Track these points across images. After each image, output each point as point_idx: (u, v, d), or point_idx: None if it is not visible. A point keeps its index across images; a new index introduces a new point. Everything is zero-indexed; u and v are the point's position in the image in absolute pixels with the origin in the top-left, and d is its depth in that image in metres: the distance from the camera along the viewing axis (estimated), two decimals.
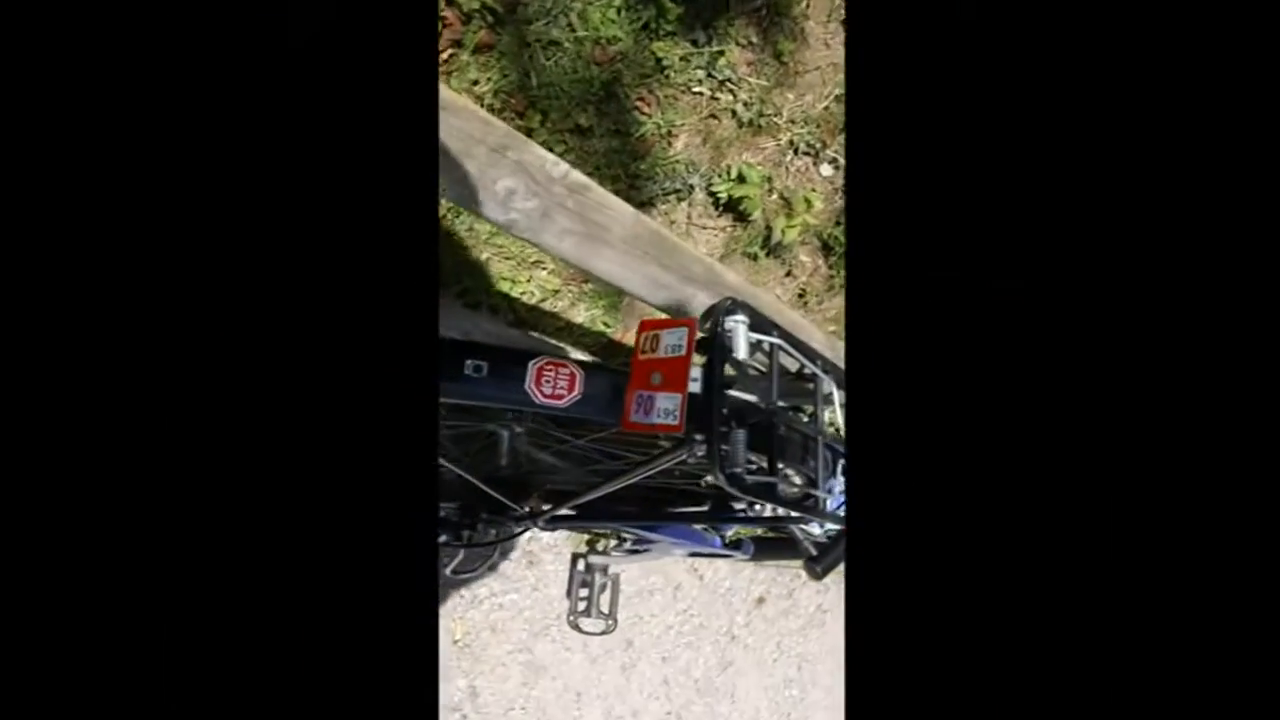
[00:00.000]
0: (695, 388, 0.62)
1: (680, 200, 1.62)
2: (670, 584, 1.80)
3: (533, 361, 0.66)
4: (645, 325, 0.65)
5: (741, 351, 0.64)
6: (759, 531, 1.25)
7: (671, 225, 1.66)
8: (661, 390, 0.60)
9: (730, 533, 1.19)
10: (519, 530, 1.01)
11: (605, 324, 1.58)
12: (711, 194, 1.62)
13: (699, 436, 0.60)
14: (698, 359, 0.63)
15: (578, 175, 0.57)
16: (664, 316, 0.65)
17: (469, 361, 0.62)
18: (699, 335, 0.63)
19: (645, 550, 1.26)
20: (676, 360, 0.61)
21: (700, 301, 0.70)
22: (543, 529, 1.00)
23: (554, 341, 1.53)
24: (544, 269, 1.53)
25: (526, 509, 0.98)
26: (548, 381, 0.65)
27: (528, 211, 0.54)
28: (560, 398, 0.65)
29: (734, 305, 0.65)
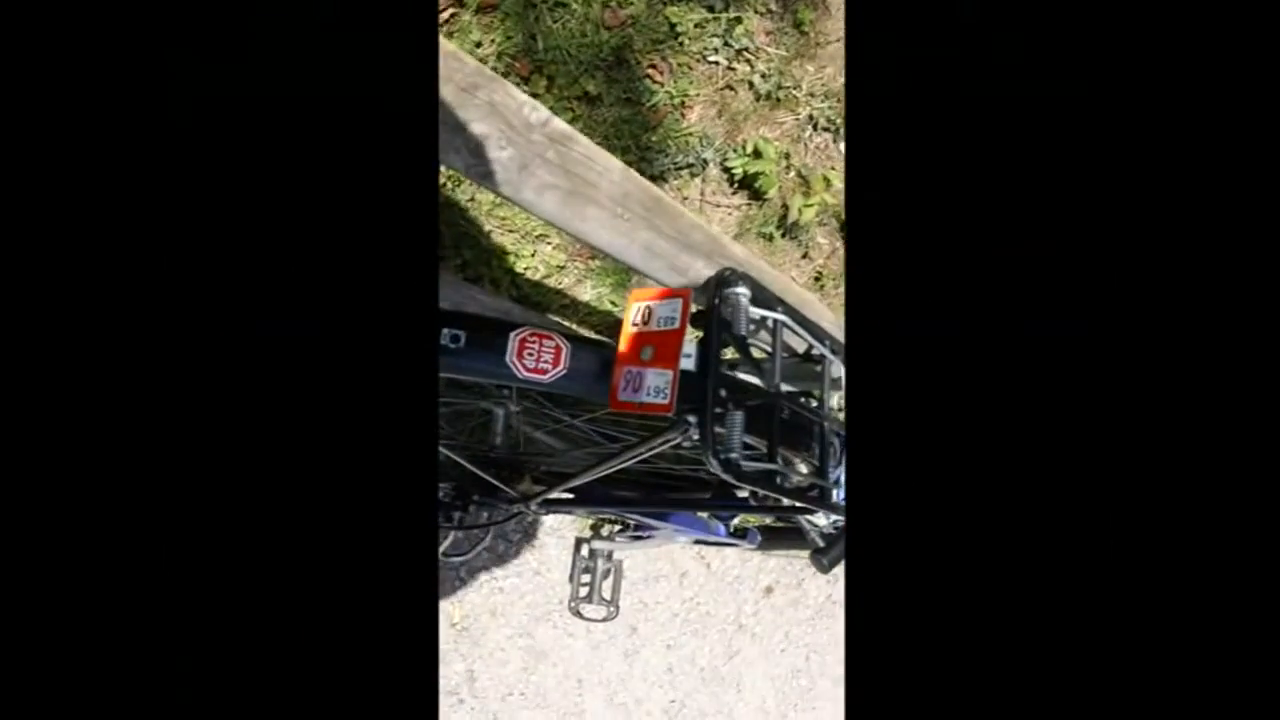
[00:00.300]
0: (690, 365, 0.58)
1: (693, 176, 1.57)
2: (677, 571, 1.76)
3: (515, 332, 0.61)
4: (636, 296, 0.60)
5: (742, 327, 0.60)
6: (766, 520, 1.21)
7: (684, 202, 1.61)
8: (652, 366, 0.56)
9: (735, 521, 1.15)
10: (511, 514, 0.97)
11: (613, 303, 1.54)
12: (726, 170, 1.57)
13: (692, 418, 0.56)
14: (693, 334, 0.59)
15: (560, 124, 0.52)
16: (658, 287, 0.61)
17: (446, 331, 0.58)
18: (695, 308, 0.59)
19: (648, 537, 1.24)
20: (669, 334, 0.57)
21: (699, 272, 0.65)
22: (537, 513, 0.98)
23: (558, 319, 1.50)
24: (548, 243, 1.49)
25: (520, 491, 0.96)
26: (530, 354, 0.61)
27: (503, 162, 0.49)
28: (544, 372, 0.61)
29: (734, 276, 0.61)
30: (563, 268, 1.50)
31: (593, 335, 1.48)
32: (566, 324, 1.51)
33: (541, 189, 0.54)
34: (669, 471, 1.02)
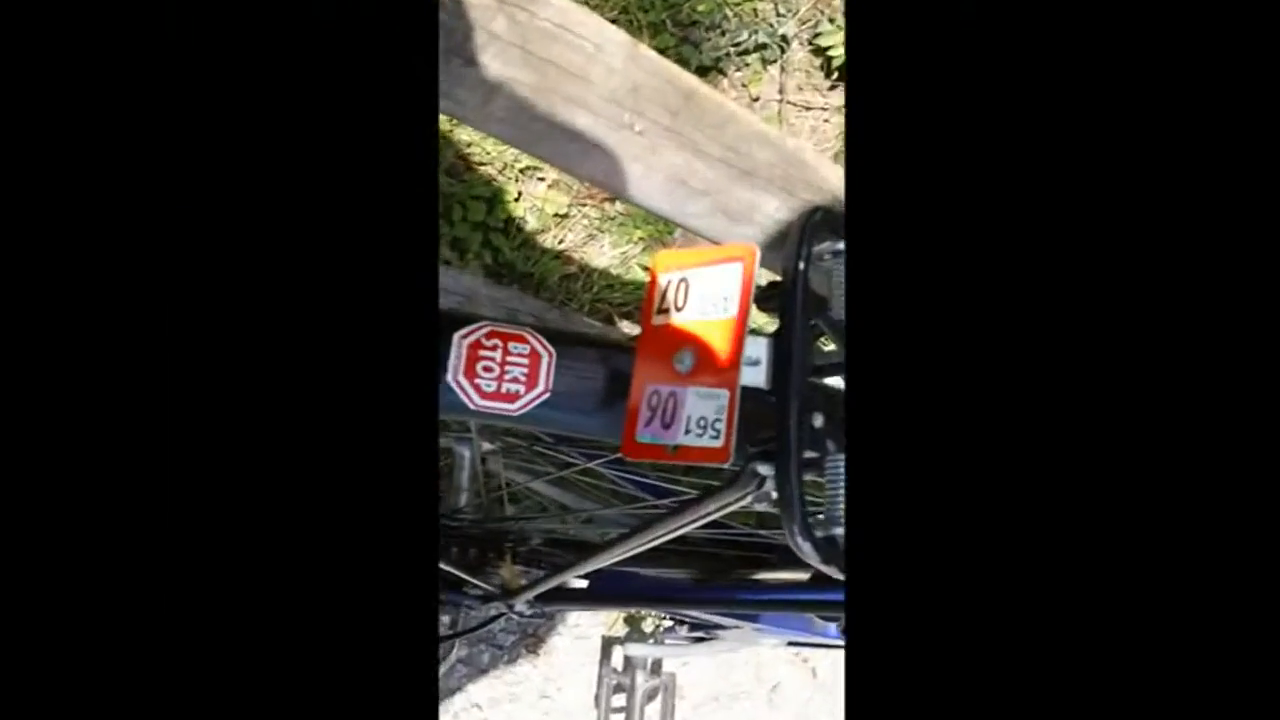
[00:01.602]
0: (759, 376, 0.54)
1: (766, 63, 1.57)
2: (763, 683, 1.76)
3: (460, 334, 0.60)
4: (665, 262, 0.58)
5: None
6: None
7: (754, 105, 1.59)
8: (693, 381, 0.53)
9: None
10: (485, 619, 0.97)
11: (646, 269, 1.54)
12: (818, 51, 1.57)
13: (764, 467, 0.53)
14: (763, 322, 0.56)
15: None
16: (701, 246, 0.61)
17: None
18: (765, 280, 0.56)
19: (714, 637, 1.20)
20: (721, 326, 0.54)
21: (768, 217, 0.64)
22: (528, 615, 0.98)
23: (555, 304, 1.49)
24: (541, 178, 1.49)
25: (499, 582, 0.96)
26: (488, 370, 0.59)
27: None
28: (512, 397, 0.59)
29: (830, 219, 0.57)
30: (564, 216, 1.50)
31: (596, 328, 1.44)
32: (568, 312, 1.51)
33: (488, 88, 0.52)
34: (749, 539, 1.02)
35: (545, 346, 0.60)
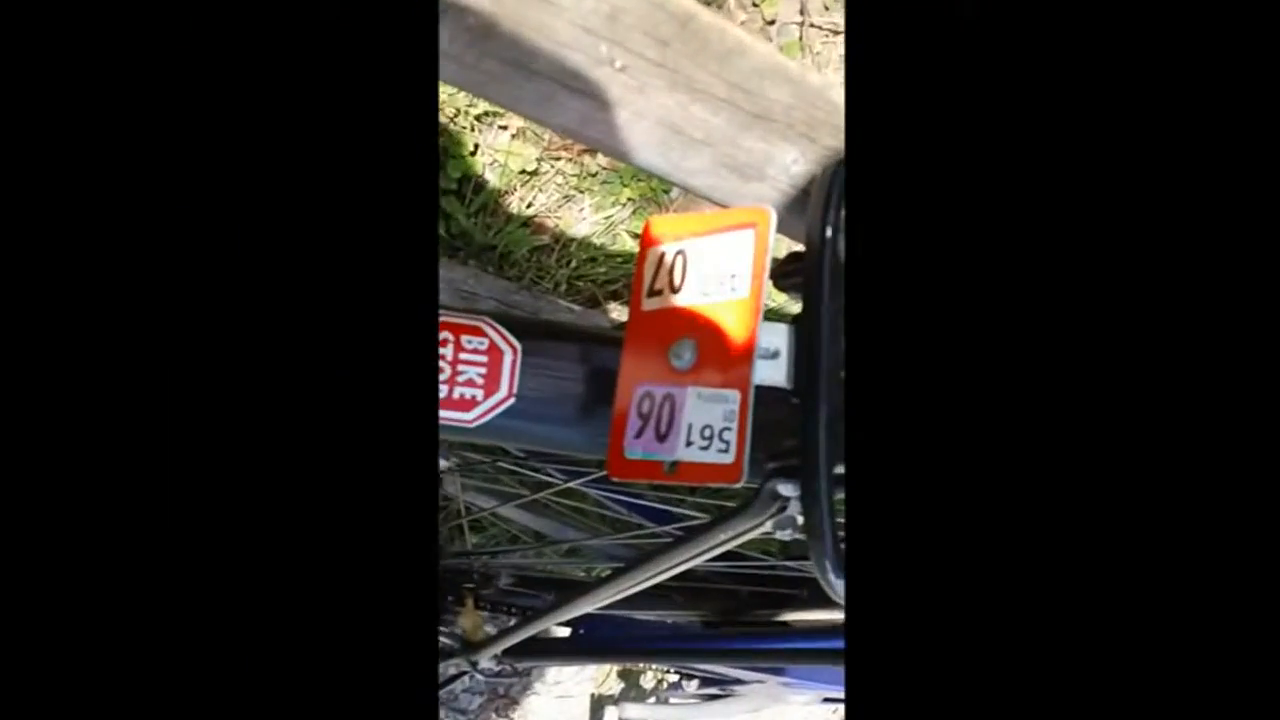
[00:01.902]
0: (778, 373, 0.54)
1: None
2: None
3: None
4: (659, 229, 0.58)
5: None
6: None
7: (767, 31, 1.59)
8: (694, 380, 0.54)
9: None
10: (443, 679, 0.97)
11: (636, 237, 1.55)
12: None
13: (787, 486, 0.52)
14: (779, 303, 0.55)
15: None
16: (703, 210, 0.61)
17: None
18: (781, 250, 0.56)
19: (731, 694, 1.20)
20: (729, 309, 0.54)
21: (785, 170, 0.64)
22: (495, 674, 0.98)
23: (521, 285, 1.47)
24: (503, 125, 1.49)
25: (460, 633, 0.97)
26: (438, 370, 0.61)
27: None
28: (467, 405, 0.59)
29: None
30: (533, 173, 1.50)
31: (573, 313, 1.44)
32: (539, 294, 1.51)
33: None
34: (770, 572, 1.03)
35: (508, 340, 0.60)
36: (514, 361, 0.60)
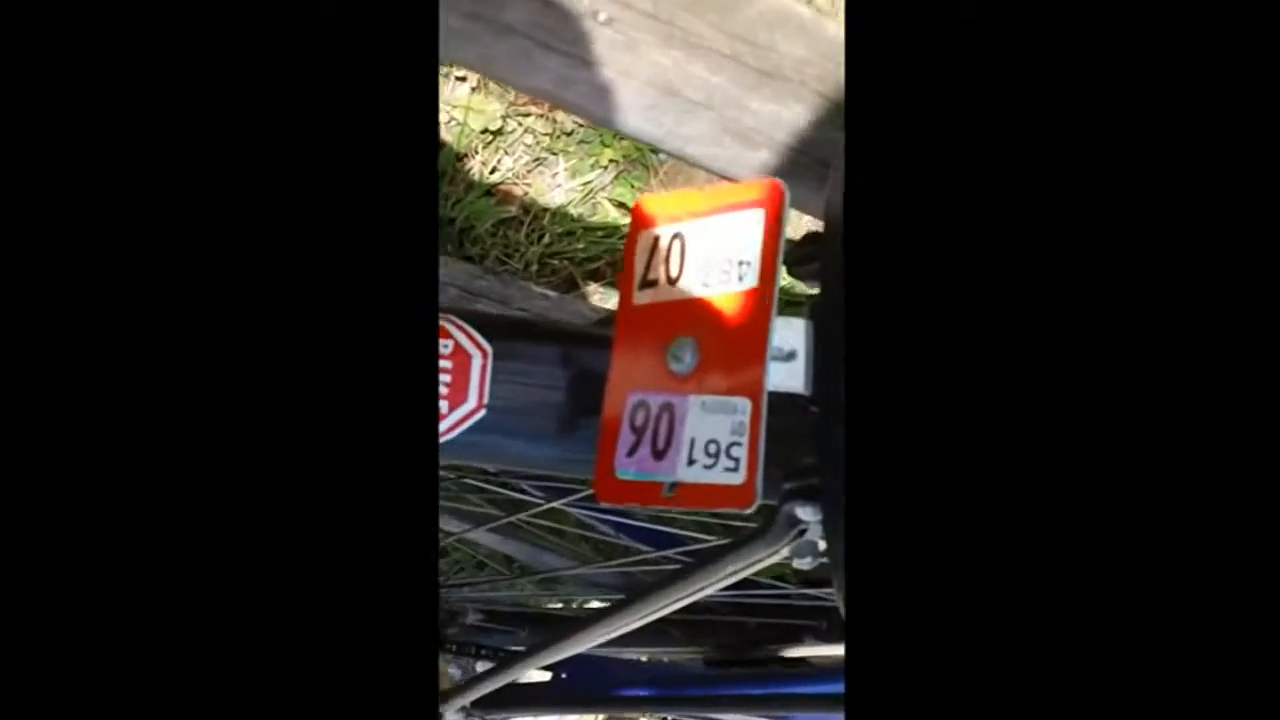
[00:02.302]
0: (795, 377, 0.55)
1: None
2: None
3: None
4: (652, 208, 0.58)
5: None
6: None
7: None
8: (698, 388, 0.54)
9: None
10: None
11: (620, 205, 1.56)
12: None
13: (807, 509, 0.54)
14: (795, 294, 0.56)
15: None
16: (706, 185, 0.61)
17: None
18: (795, 230, 0.56)
19: None
20: (736, 301, 0.55)
21: (797, 135, 0.65)
22: None
23: (486, 268, 1.46)
24: (461, 76, 1.50)
25: None
26: None
27: None
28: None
29: None
30: (497, 132, 1.50)
31: (548, 301, 1.44)
32: (507, 278, 1.49)
33: None
34: (783, 601, 1.03)
35: (476, 341, 0.60)
36: (484, 367, 0.60)
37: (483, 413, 0.60)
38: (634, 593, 0.69)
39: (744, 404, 0.52)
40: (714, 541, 0.84)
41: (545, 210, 1.52)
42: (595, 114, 0.63)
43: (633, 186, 1.54)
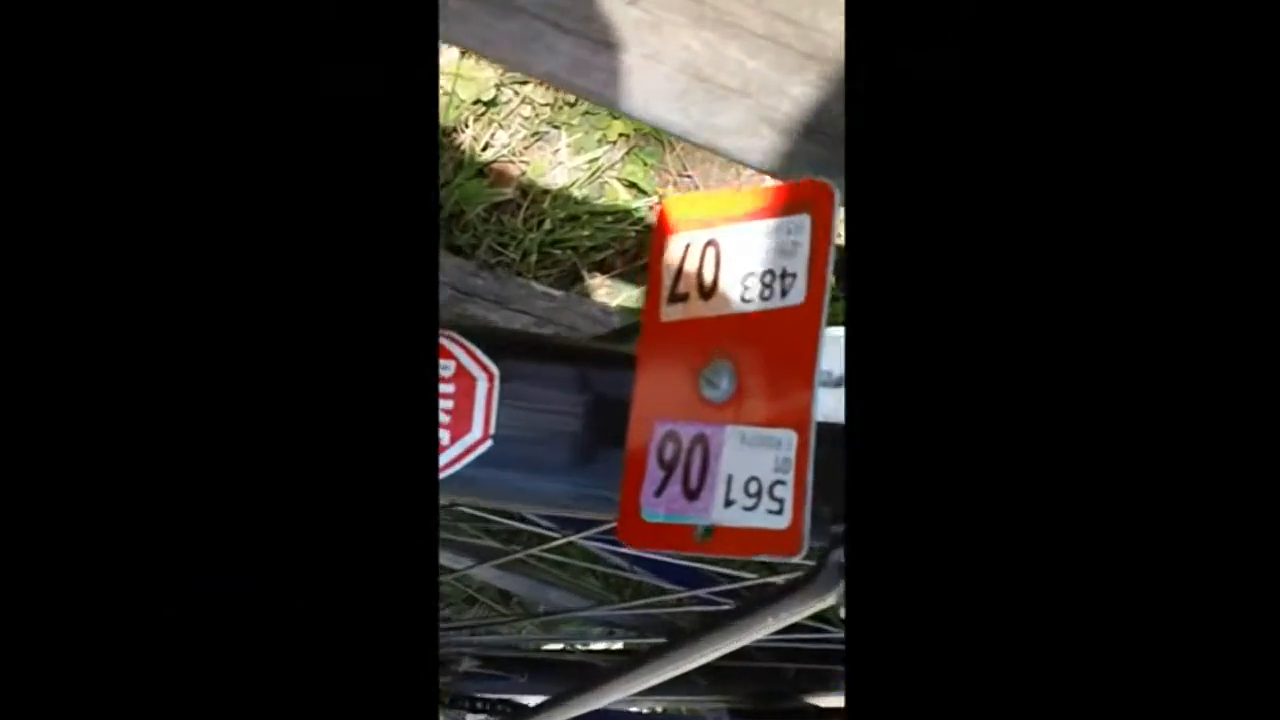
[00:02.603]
0: (836, 405, 0.56)
1: None
2: None
3: None
4: (678, 211, 0.59)
5: None
6: None
7: None
8: (734, 417, 0.54)
9: None
10: None
11: (632, 186, 1.53)
12: None
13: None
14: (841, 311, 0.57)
15: None
16: (740, 187, 0.59)
17: None
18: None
19: None
20: (782, 320, 0.54)
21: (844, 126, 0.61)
22: None
23: (481, 262, 1.46)
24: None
25: None
26: None
27: None
28: None
29: None
30: (490, 103, 1.51)
31: (554, 301, 1.43)
32: (503, 274, 1.49)
33: None
34: (823, 644, 1.04)
35: (481, 362, 0.60)
36: (490, 391, 0.60)
37: (489, 444, 0.60)
38: (668, 640, 0.68)
39: (789, 437, 0.52)
40: (751, 580, 0.83)
41: (545, 192, 1.50)
42: (615, 101, 0.63)
43: (645, 164, 1.51)
